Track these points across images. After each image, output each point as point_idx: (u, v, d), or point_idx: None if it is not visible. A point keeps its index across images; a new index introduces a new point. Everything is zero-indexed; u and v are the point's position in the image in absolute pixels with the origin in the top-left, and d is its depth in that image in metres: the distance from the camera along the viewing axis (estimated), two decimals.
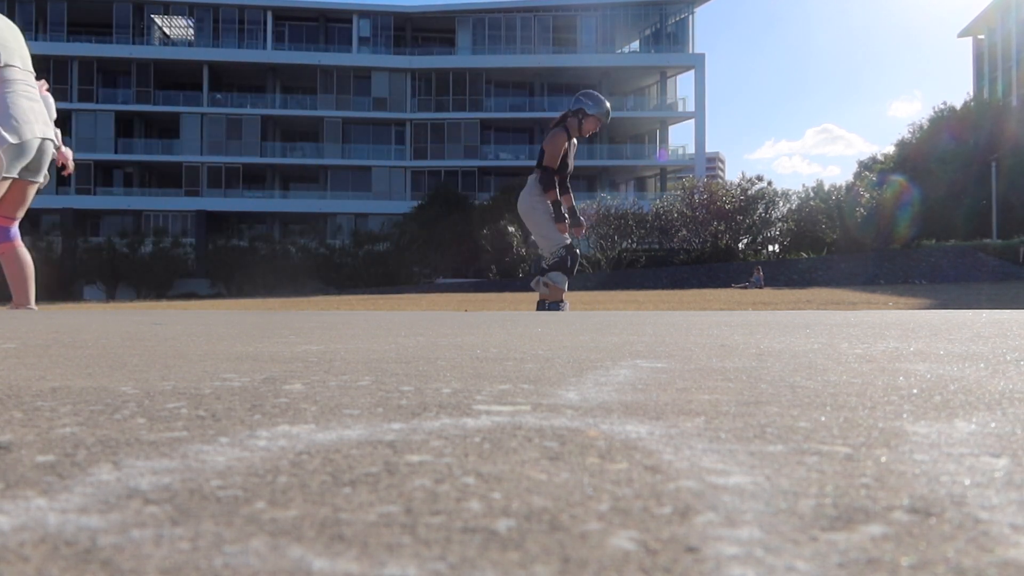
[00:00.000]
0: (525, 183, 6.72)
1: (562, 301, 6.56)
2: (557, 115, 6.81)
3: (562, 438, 0.93)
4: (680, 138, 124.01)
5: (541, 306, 6.58)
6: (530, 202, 6.61)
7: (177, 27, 50.24)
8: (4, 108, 4.84)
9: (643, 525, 0.59)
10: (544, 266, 6.59)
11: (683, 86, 73.86)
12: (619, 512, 0.62)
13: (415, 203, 43.16)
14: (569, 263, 6.52)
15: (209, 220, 46.16)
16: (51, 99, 5.36)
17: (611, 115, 6.94)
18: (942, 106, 42.19)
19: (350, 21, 49.40)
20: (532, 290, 6.97)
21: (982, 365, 1.74)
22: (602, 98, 6.80)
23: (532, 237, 6.77)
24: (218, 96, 48.34)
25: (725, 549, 0.54)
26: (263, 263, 40.42)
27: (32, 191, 5.23)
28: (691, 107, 49.09)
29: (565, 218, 6.52)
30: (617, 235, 35.65)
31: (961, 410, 1.13)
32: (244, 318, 4.52)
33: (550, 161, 6.52)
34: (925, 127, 41.98)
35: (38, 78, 5.15)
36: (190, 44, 49.10)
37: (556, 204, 6.48)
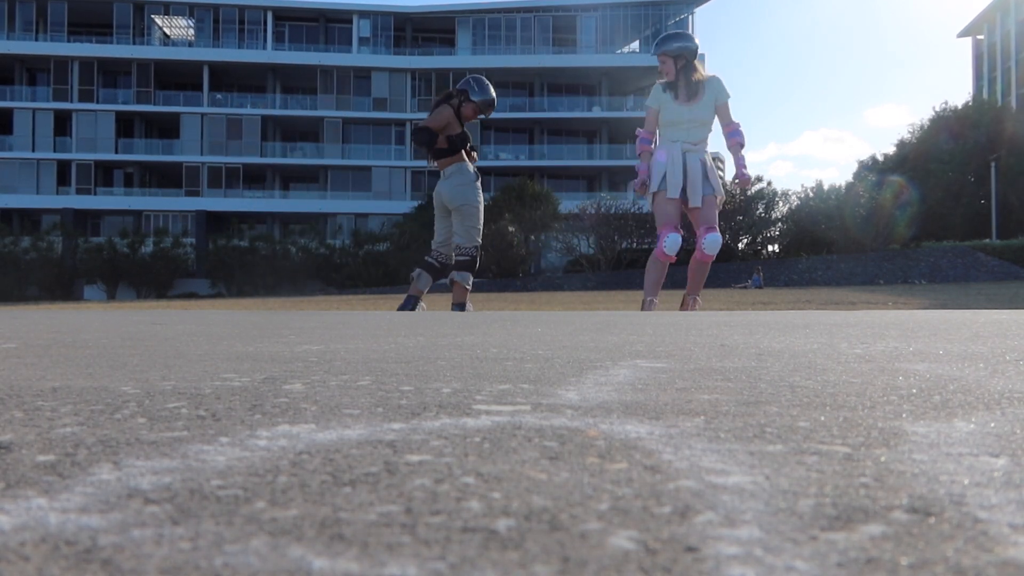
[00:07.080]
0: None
1: (467, 302, 6.31)
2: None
3: (562, 438, 0.93)
4: None
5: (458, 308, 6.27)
6: (469, 193, 6.28)
7: (177, 27, 50.20)
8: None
9: (643, 525, 0.59)
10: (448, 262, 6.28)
11: None
12: (619, 512, 0.62)
13: (415, 203, 43.08)
14: (477, 264, 6.32)
15: (209, 220, 46.14)
16: None
17: (496, 107, 6.54)
18: (943, 106, 42.22)
19: (350, 21, 49.36)
20: (448, 288, 6.54)
21: (981, 365, 1.74)
22: (489, 86, 6.52)
23: (457, 227, 6.34)
24: (218, 96, 48.31)
25: (725, 549, 0.54)
26: (263, 263, 40.35)
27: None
28: None
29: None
30: (617, 235, 35.57)
31: (960, 410, 1.13)
32: (244, 318, 4.51)
33: (432, 122, 6.21)
34: (925, 127, 41.98)
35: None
36: (190, 44, 49.05)
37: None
